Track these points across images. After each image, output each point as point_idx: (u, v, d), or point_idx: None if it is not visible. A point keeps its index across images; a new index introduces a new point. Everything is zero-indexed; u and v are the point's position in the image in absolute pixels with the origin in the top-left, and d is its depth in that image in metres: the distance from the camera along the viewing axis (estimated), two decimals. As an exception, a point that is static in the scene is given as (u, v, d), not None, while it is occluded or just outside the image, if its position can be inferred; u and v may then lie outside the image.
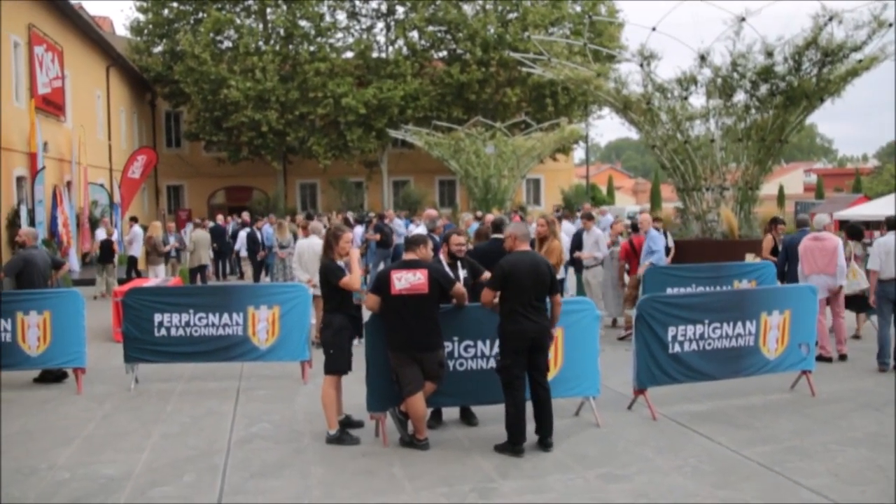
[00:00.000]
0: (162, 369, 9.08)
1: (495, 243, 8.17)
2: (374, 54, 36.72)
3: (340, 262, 6.64)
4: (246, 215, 21.72)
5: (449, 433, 6.93)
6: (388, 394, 6.54)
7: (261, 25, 35.56)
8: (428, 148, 29.79)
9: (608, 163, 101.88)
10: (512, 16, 36.10)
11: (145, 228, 19.32)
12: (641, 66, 13.94)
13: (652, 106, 14.11)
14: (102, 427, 7.20)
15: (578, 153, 55.44)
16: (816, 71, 13.26)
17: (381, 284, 6.27)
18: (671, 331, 7.44)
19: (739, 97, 13.93)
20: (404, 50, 36.08)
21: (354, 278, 6.54)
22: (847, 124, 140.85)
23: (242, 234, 18.76)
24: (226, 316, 8.72)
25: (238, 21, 34.69)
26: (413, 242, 6.37)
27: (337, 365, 6.53)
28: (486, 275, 6.92)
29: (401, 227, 18.80)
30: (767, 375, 8.08)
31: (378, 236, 16.37)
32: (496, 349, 6.79)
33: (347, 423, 6.86)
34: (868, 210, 38.63)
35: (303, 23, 34.72)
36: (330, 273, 6.50)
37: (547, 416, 6.34)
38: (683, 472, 5.86)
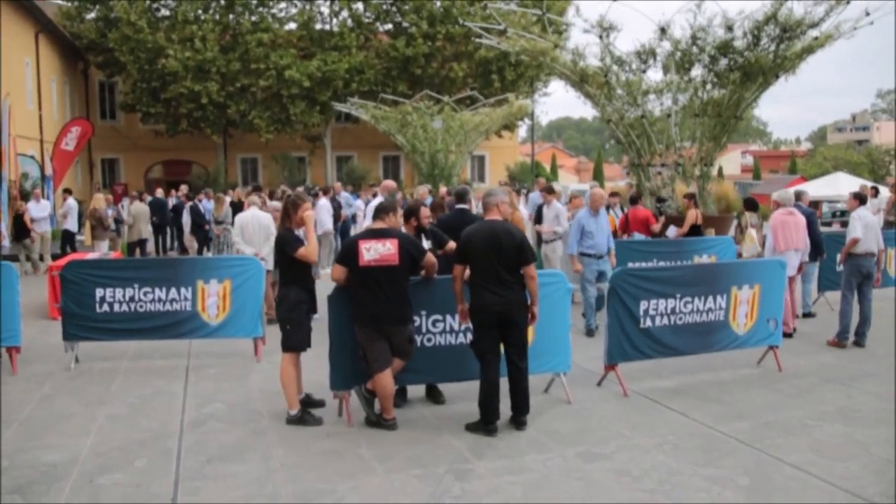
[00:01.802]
0: (104, 347, 8.52)
1: (460, 214, 7.85)
2: (318, 26, 35.77)
3: (298, 232, 6.23)
4: (185, 188, 20.88)
5: (415, 412, 6.62)
6: (353, 371, 6.19)
7: (200, -7, 34.22)
8: (374, 122, 29.18)
9: (549, 142, 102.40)
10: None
11: (80, 202, 18.41)
12: (600, 37, 13.74)
13: (609, 79, 13.93)
14: (42, 409, 6.66)
15: (521, 131, 55.60)
16: (774, 47, 13.26)
17: (348, 255, 5.89)
18: (643, 305, 7.29)
19: (697, 72, 13.85)
20: (349, 22, 35.22)
21: (311, 249, 6.13)
22: (781, 108, 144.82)
23: (185, 209, 17.96)
24: (173, 290, 8.21)
25: (176, -13, 33.30)
26: (382, 210, 5.98)
27: (295, 341, 6.13)
28: (452, 245, 6.62)
29: (350, 201, 18.34)
30: (734, 351, 7.99)
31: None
32: (463, 326, 6.52)
33: (308, 403, 6.49)
34: (807, 190, 39.71)
35: (244, -10, 33.56)
36: (286, 243, 6.10)
37: (522, 394, 6.08)
38: (664, 450, 5.68)
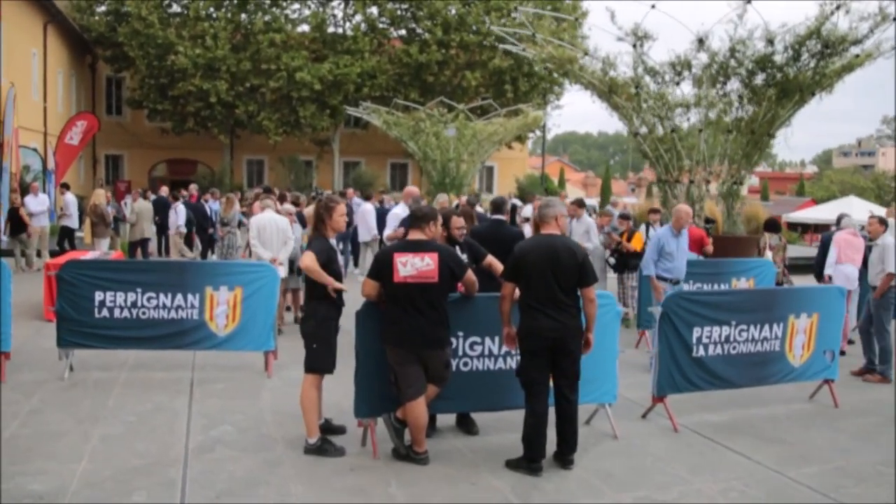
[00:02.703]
0: (101, 355, 7.84)
1: (496, 225, 7.23)
2: (331, 29, 35.24)
3: (332, 241, 5.57)
4: (193, 188, 20.23)
5: (447, 443, 5.94)
6: (381, 397, 5.52)
7: (213, -10, 33.67)
8: (386, 127, 28.56)
9: (555, 155, 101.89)
10: (474, -3, 35.07)
11: (81, 198, 17.75)
12: (634, 46, 13.11)
13: (640, 90, 13.29)
14: (30, 425, 5.98)
15: (528, 143, 54.95)
16: (814, 63, 12.64)
17: (381, 268, 5.22)
18: (696, 332, 6.64)
19: (731, 86, 13.23)
20: (363, 26, 34.67)
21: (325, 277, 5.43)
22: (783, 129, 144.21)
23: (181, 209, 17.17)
24: (179, 297, 7.54)
25: (189, -17, 32.76)
26: (420, 219, 5.29)
27: (322, 362, 5.46)
28: (491, 259, 5.98)
29: (366, 207, 17.67)
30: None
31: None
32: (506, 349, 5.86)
33: (328, 429, 5.81)
34: (818, 213, 39.21)
35: (257, -10, 33.04)
36: (314, 247, 5.41)
37: (570, 430, 5.41)
38: (730, 497, 5.02)
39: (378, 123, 28.70)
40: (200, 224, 16.59)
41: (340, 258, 9.93)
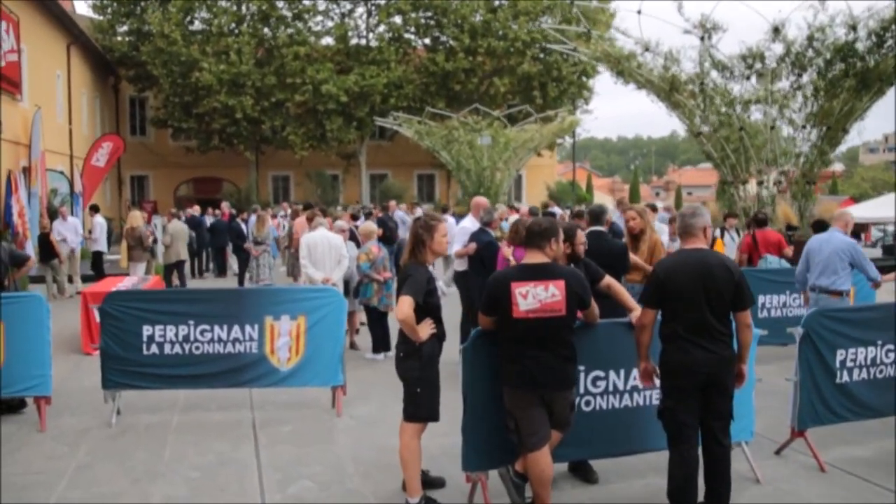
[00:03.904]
0: (150, 395, 7.01)
1: (595, 238, 6.34)
2: (354, 41, 34.63)
3: (431, 267, 4.70)
4: (225, 206, 19.56)
5: (565, 495, 5.04)
6: (495, 446, 4.64)
7: (235, 6, 33.16)
8: (418, 138, 27.82)
9: (577, 162, 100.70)
10: (500, 2, 34.26)
11: (109, 220, 17.06)
12: (702, 39, 12.18)
13: (706, 87, 12.35)
14: (80, 485, 5.16)
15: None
16: (898, 51, 11.66)
17: (495, 301, 4.33)
18: (840, 355, 5.72)
19: (807, 79, 12.26)
20: (388, 35, 34.01)
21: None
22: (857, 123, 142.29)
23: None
24: (236, 328, 6.70)
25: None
26: (538, 235, 4.38)
27: (426, 409, 4.59)
28: (610, 280, 5.10)
29: (406, 220, 16.91)
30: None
31: (380, 231, 14.44)
32: (634, 380, 4.98)
33: (425, 482, 4.92)
34: (861, 212, 37.82)
35: (280, 3, 32.45)
36: (415, 284, 4.47)
37: (722, 480, 4.49)
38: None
39: (409, 134, 27.95)
40: (236, 244, 15.85)
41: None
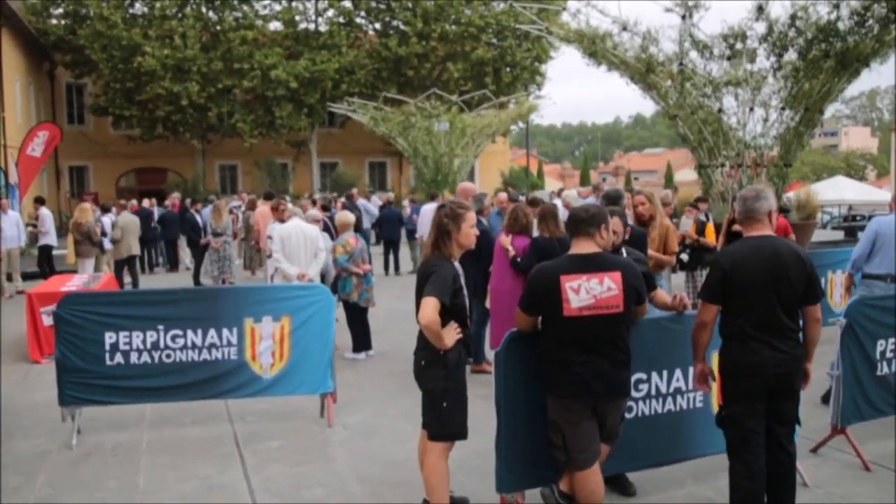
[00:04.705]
0: (113, 410, 6.22)
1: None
2: (303, 25, 33.54)
3: (455, 263, 4.05)
4: (176, 196, 18.54)
5: (604, 514, 4.49)
6: (533, 463, 4.08)
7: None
8: (374, 124, 26.98)
9: (523, 148, 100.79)
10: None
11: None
12: (683, 17, 11.75)
13: (685, 67, 11.96)
14: (39, 525, 4.41)
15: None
16: (878, 30, 11.41)
17: (540, 296, 3.74)
18: (880, 345, 5.32)
19: (787, 59, 11.96)
20: (339, 19, 33.02)
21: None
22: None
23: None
24: (213, 333, 5.98)
25: (152, -19, 30.79)
26: (586, 222, 3.80)
27: (455, 425, 3.98)
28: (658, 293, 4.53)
29: (372, 209, 16.26)
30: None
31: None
32: (677, 381, 4.47)
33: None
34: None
35: (225, -15, 31.21)
36: (441, 283, 3.84)
37: (790, 490, 4.01)
38: None
39: (365, 120, 27.11)
40: (190, 237, 14.96)
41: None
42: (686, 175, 65.00)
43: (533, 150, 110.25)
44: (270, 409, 6.51)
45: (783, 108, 12.28)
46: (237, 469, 5.22)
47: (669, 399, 4.51)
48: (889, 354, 5.38)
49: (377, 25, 34.47)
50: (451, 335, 3.84)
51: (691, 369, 4.55)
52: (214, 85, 30.00)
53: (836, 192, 34.68)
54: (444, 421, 3.92)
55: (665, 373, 4.48)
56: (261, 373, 6.08)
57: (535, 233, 7.18)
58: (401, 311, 11.49)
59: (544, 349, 3.82)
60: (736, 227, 6.01)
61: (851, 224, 27.69)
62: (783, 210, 9.99)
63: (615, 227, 4.41)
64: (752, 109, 12.31)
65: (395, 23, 33.71)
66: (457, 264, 4.02)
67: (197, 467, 5.23)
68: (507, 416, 4.00)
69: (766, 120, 12.29)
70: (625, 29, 12.27)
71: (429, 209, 14.28)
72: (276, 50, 30.57)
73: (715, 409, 4.71)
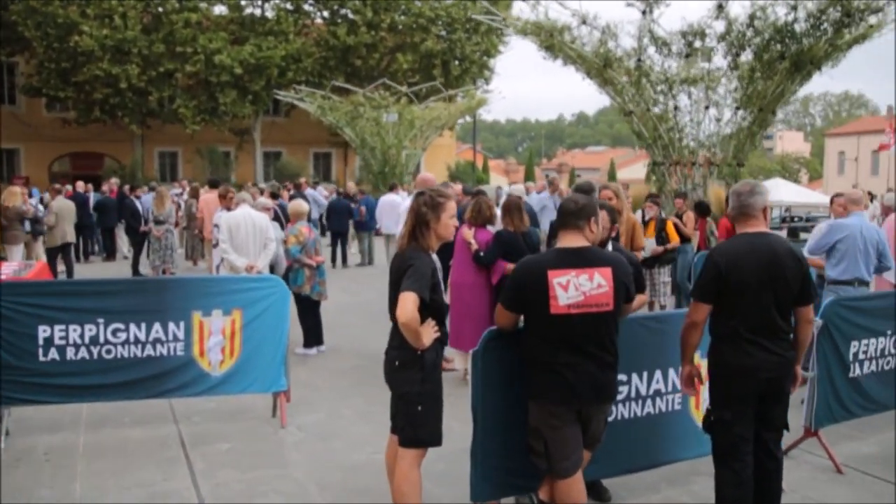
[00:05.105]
0: (46, 410, 5.76)
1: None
2: (249, 10, 32.71)
3: (434, 256, 3.76)
4: (114, 182, 17.76)
5: (579, 522, 4.27)
6: (510, 471, 3.83)
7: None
8: (321, 113, 26.42)
9: (467, 143, 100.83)
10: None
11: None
12: (644, 13, 11.66)
13: (643, 63, 11.89)
14: (-38, 541, 3.97)
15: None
16: (831, 33, 11.52)
17: (524, 293, 3.49)
18: (853, 346, 5.25)
19: (743, 59, 12.00)
20: (286, 5, 32.29)
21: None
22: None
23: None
24: (157, 327, 5.55)
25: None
26: (575, 214, 3.55)
27: (430, 431, 3.68)
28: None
29: (321, 199, 15.84)
30: None
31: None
32: (657, 383, 4.28)
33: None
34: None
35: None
36: (420, 277, 3.53)
37: (776, 497, 3.87)
38: None
39: (312, 109, 26.53)
40: (130, 224, 14.30)
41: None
42: (628, 173, 66.05)
43: (477, 145, 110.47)
44: (219, 409, 6.12)
45: (738, 108, 12.32)
46: (184, 474, 4.83)
47: (649, 401, 4.33)
48: (861, 356, 5.31)
49: (325, 13, 33.88)
50: (428, 334, 3.55)
51: (671, 370, 4.40)
52: (155, 68, 28.99)
53: (775, 193, 35.52)
54: (419, 426, 3.62)
55: (645, 374, 4.29)
56: (209, 370, 5.68)
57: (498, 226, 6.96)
58: (350, 305, 11.17)
59: (527, 349, 3.57)
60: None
61: (791, 224, 28.37)
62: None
63: (603, 222, 4.19)
64: (708, 108, 12.33)
65: (343, 11, 33.19)
66: (435, 257, 3.73)
67: (140, 473, 4.83)
68: (485, 422, 3.74)
69: (719, 119, 12.31)
70: (584, 22, 12.15)
71: (388, 201, 14.04)
72: (221, 34, 29.75)
73: (693, 411, 4.57)
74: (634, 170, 73.07)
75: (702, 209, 10.29)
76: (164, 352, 5.57)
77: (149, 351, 5.53)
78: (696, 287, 3.71)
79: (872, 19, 11.74)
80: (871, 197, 18.18)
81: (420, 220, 3.66)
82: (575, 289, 3.40)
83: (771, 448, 3.80)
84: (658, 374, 4.34)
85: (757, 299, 3.57)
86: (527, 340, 3.57)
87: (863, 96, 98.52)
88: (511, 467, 3.80)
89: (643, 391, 4.29)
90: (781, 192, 37.30)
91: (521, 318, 3.63)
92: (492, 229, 7.04)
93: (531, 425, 3.60)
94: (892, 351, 5.50)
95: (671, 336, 4.34)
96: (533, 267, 3.49)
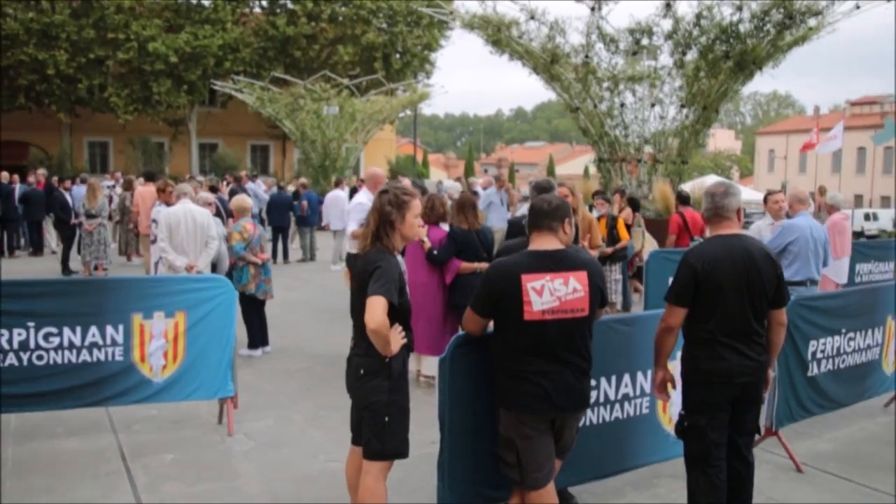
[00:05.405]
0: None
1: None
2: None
3: (399, 257, 3.55)
4: (42, 173, 16.95)
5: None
6: (479, 482, 3.66)
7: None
8: (260, 105, 25.80)
9: (406, 137, 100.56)
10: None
11: None
12: (593, 9, 11.63)
13: (590, 60, 11.87)
14: None
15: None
16: (774, 35, 11.71)
17: (500, 299, 3.31)
18: (812, 346, 5.27)
19: (690, 58, 12.11)
20: (223, -7, 31.48)
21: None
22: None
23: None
24: (94, 331, 5.19)
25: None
26: (549, 214, 3.39)
27: (397, 442, 3.47)
28: None
29: (262, 194, 15.39)
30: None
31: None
32: (625, 387, 4.18)
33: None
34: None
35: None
36: (388, 280, 3.32)
37: (748, 502, 3.79)
38: None
39: (250, 101, 25.88)
40: (59, 217, 13.62)
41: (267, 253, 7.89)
42: (566, 169, 66.79)
43: (417, 138, 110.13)
44: (160, 417, 5.79)
45: (682, 106, 12.43)
46: (125, 490, 4.51)
47: (617, 406, 4.21)
48: (819, 355, 5.33)
49: (264, 3, 33.19)
50: (396, 339, 3.35)
51: (640, 374, 4.31)
52: (85, 55, 27.88)
53: (702, 190, 36.54)
54: (386, 438, 3.41)
55: (614, 378, 4.17)
56: (151, 376, 5.35)
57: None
58: (293, 303, 10.83)
59: (498, 357, 3.40)
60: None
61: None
62: (684, 201, 10.04)
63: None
64: (654, 106, 12.41)
65: (283, 1, 32.53)
66: (400, 258, 3.53)
67: (76, 489, 4.49)
68: (452, 432, 3.56)
69: (662, 117, 12.41)
70: (533, 18, 12.05)
71: (335, 196, 13.78)
72: (156, 21, 28.78)
73: (661, 415, 4.48)
74: (573, 165, 73.95)
75: (683, 200, 10.24)
76: (102, 357, 5.22)
77: (84, 356, 5.17)
78: (672, 290, 3.60)
79: (812, 21, 11.99)
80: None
81: (384, 219, 3.44)
82: (550, 294, 3.25)
83: (743, 452, 3.73)
84: (626, 378, 4.24)
85: (733, 303, 3.49)
86: (498, 347, 3.39)
87: (790, 96, 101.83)
88: (479, 479, 3.63)
89: (612, 396, 4.18)
90: (714, 189, 38.49)
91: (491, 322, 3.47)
92: (445, 227, 6.87)
93: (503, 435, 3.43)
94: (847, 349, 5.56)
95: (639, 339, 4.26)
96: (506, 270, 3.31)
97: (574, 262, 3.34)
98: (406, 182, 10.36)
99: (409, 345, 3.54)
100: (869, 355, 5.77)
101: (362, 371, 3.43)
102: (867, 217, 33.14)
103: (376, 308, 3.20)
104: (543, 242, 3.37)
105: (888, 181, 52.48)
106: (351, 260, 7.62)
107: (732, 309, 3.49)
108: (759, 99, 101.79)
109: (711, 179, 41.45)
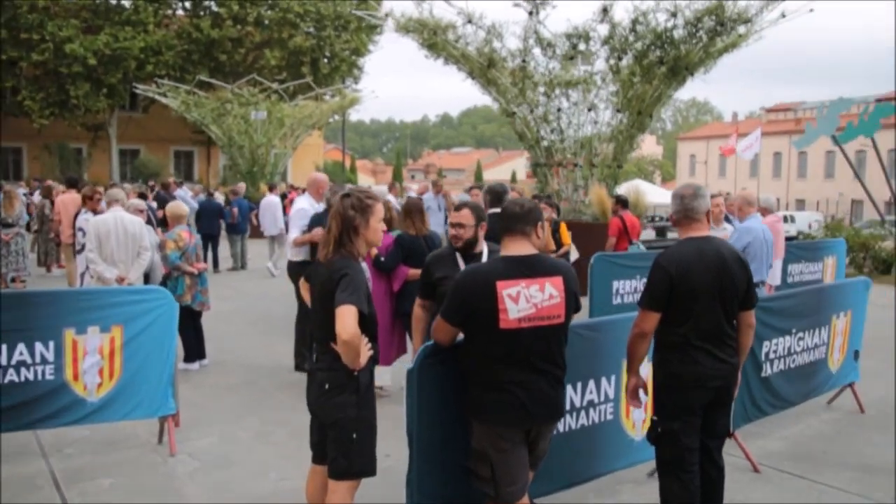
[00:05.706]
0: None
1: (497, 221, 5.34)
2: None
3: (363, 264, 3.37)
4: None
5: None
6: (450, 499, 3.50)
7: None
8: (184, 109, 25.04)
9: (333, 143, 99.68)
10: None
11: None
12: (531, 13, 11.64)
13: (527, 64, 11.89)
14: None
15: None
16: (706, 41, 11.97)
17: (473, 307, 3.16)
18: (765, 347, 5.33)
19: (624, 63, 12.27)
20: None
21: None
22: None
23: None
24: (22, 348, 4.81)
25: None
26: (522, 218, 3.25)
27: (365, 459, 3.28)
28: None
29: (191, 201, 14.86)
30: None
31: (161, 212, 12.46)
32: (590, 393, 4.10)
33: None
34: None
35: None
36: (356, 289, 3.15)
37: (719, 505, 3.77)
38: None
39: (175, 105, 25.09)
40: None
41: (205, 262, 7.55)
42: (493, 174, 67.33)
43: (345, 144, 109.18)
44: (94, 438, 5.42)
45: (618, 111, 12.58)
46: (61, 519, 4.18)
47: (583, 413, 4.13)
48: (772, 355, 5.39)
49: (188, 4, 32.33)
50: (364, 352, 3.17)
51: (604, 380, 4.24)
52: (-4, 56, 26.56)
53: (637, 194, 37.33)
54: (354, 456, 3.22)
55: (580, 385, 4.08)
56: (85, 395, 5.00)
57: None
58: (227, 313, 10.42)
59: (470, 367, 3.25)
60: None
61: (658, 224, 29.77)
62: (623, 205, 10.12)
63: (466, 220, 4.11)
64: (590, 110, 12.51)
65: (207, 3, 31.77)
66: (364, 266, 3.35)
67: (5, 521, 4.14)
68: (421, 447, 3.39)
69: (596, 122, 12.54)
70: (470, 21, 12.00)
71: (270, 202, 13.49)
72: (73, 22, 27.67)
73: (624, 420, 4.42)
74: (499, 171, 74.68)
75: (623, 203, 10.29)
76: (31, 376, 4.84)
77: (11, 376, 4.79)
78: (647, 295, 3.51)
79: (741, 29, 12.32)
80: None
81: (347, 224, 3.26)
82: (526, 301, 3.12)
83: (714, 456, 3.70)
84: (591, 384, 4.16)
85: (706, 306, 3.44)
86: (469, 357, 3.25)
87: (708, 103, 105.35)
88: (449, 494, 3.48)
89: (577, 402, 4.08)
90: (642, 193, 39.24)
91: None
92: (391, 233, 6.70)
93: (476, 448, 3.28)
94: (797, 349, 5.64)
95: (604, 344, 4.19)
96: (479, 277, 3.17)
97: (549, 268, 3.22)
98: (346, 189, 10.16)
99: (375, 356, 3.36)
100: (816, 354, 5.89)
101: (327, 386, 3.23)
102: (785, 219, 34.42)
103: (347, 318, 3.01)
104: (517, 247, 3.25)
105: (803, 185, 54.84)
106: (309, 270, 7.38)
107: (706, 312, 3.45)
108: (679, 105, 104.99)
109: (641, 184, 42.47)
